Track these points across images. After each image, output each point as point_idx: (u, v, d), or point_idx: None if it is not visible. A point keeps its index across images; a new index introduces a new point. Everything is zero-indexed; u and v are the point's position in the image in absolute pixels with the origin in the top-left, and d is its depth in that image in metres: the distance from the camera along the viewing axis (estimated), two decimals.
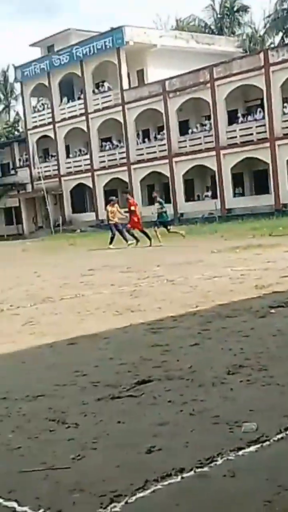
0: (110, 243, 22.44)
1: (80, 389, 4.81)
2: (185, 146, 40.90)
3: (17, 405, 4.52)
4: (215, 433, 3.71)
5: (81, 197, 48.51)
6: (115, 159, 45.25)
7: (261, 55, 36.54)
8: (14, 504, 2.95)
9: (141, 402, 4.37)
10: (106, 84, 46.08)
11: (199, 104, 40.55)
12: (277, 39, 51.59)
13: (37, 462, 3.45)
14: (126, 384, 4.77)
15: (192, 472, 3.16)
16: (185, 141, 41.15)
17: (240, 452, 3.39)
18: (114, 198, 26.02)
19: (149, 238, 21.85)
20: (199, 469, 3.19)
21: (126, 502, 2.90)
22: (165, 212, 23.72)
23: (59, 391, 4.81)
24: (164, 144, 41.80)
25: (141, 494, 2.97)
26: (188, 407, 4.16)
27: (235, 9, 54.63)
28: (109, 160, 45.81)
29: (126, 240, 22.50)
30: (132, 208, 23.46)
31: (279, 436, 3.58)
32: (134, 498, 2.93)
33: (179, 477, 3.12)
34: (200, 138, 40.19)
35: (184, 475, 3.14)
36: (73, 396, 4.64)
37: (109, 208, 24.12)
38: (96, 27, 47.90)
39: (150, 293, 9.74)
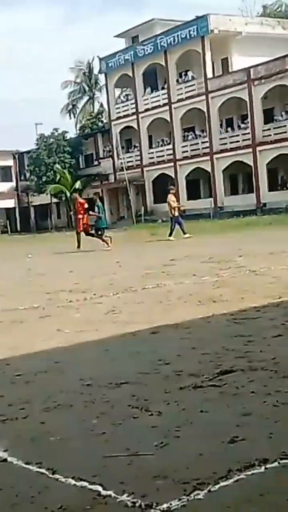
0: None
1: (163, 377, 4.83)
2: (270, 135, 40.33)
3: (101, 392, 4.58)
4: None
5: (163, 188, 48.60)
6: (198, 149, 45.10)
7: None
8: (99, 488, 3.00)
9: (224, 392, 4.36)
10: (190, 74, 45.94)
11: (285, 92, 39.87)
12: None
13: (121, 448, 3.49)
14: (208, 374, 4.77)
15: (276, 463, 3.13)
16: (269, 129, 40.58)
17: None
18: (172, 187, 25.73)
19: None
20: (284, 460, 3.15)
21: (209, 491, 2.90)
22: (101, 218, 23.21)
23: (142, 379, 4.85)
24: (248, 133, 41.35)
25: (224, 483, 2.96)
26: (272, 398, 4.12)
27: None
28: (191, 150, 45.70)
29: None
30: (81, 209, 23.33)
31: None
32: (217, 486, 2.93)
33: (263, 468, 3.09)
34: (285, 126, 39.54)
35: (268, 465, 3.11)
36: (156, 384, 4.67)
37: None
38: (181, 16, 47.56)
39: (233, 283, 9.68)
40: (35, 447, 3.67)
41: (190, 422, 3.86)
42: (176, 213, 22.92)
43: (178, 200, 22.96)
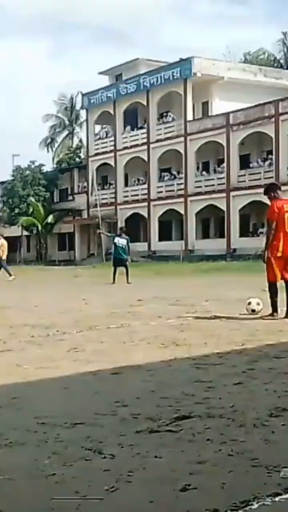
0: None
1: (120, 420, 4.78)
2: (244, 181, 40.88)
3: (56, 431, 4.51)
4: (253, 476, 3.63)
5: (135, 227, 48.87)
6: (173, 190, 45.50)
7: None
8: None
9: (180, 438, 4.32)
10: (170, 115, 46.54)
11: (262, 139, 40.57)
12: None
13: (71, 491, 3.42)
14: (166, 419, 4.72)
15: None
16: (244, 175, 41.13)
17: (277, 498, 3.30)
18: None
19: None
20: None
21: None
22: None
23: (99, 420, 4.78)
24: (223, 178, 41.87)
25: None
26: (227, 447, 4.09)
27: None
28: (166, 191, 46.09)
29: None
30: None
31: None
32: None
33: None
34: (260, 173, 40.10)
35: None
36: (112, 426, 4.61)
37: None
38: (165, 58, 48.47)
39: (198, 327, 9.68)
40: None
41: (143, 467, 3.80)
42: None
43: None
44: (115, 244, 22.93)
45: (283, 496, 3.33)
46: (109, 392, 5.68)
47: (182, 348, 7.83)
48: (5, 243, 26.55)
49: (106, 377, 6.34)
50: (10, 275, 25.46)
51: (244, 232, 41.46)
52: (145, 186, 47.22)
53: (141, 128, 48.76)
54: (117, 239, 22.95)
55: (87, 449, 4.11)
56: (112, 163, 50.05)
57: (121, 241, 22.80)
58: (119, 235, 23.34)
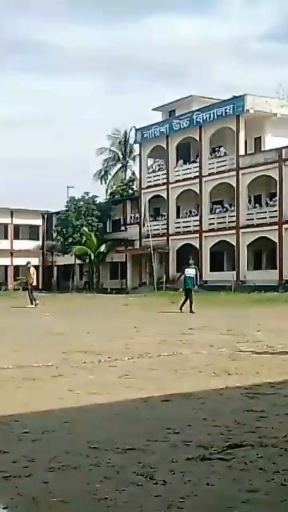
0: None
1: (171, 446, 4.76)
2: None
3: (107, 456, 4.52)
4: None
5: (187, 257, 48.82)
6: (225, 222, 45.42)
7: None
8: None
9: (231, 466, 4.28)
10: (222, 149, 46.69)
11: None
12: None
13: None
14: (217, 447, 4.68)
15: None
16: None
17: None
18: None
19: None
20: None
21: None
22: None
23: (150, 446, 4.78)
24: (276, 211, 41.64)
25: None
26: (279, 476, 4.03)
27: None
28: (218, 223, 46.03)
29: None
30: None
31: None
32: None
33: None
34: None
35: None
36: (163, 453, 4.59)
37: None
38: (217, 95, 48.69)
39: (249, 357, 9.59)
40: (35, 507, 3.60)
41: (194, 494, 3.78)
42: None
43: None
44: (184, 275, 23.77)
45: None
46: (160, 419, 5.67)
47: (233, 377, 7.77)
48: (35, 271, 27.84)
49: (157, 404, 6.33)
50: (32, 303, 26.02)
51: None
52: (197, 217, 47.29)
53: (194, 162, 49.02)
54: (186, 270, 23.95)
55: (138, 474, 4.11)
56: (164, 195, 50.31)
57: (190, 272, 23.66)
58: (188, 266, 24.30)
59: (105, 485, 3.93)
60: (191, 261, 25.01)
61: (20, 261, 62.89)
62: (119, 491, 3.83)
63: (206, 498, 3.72)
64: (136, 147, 58.92)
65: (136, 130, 54.91)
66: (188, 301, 22.27)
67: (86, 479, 4.05)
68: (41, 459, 4.46)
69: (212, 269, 45.30)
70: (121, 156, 68.57)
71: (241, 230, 43.68)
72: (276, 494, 3.75)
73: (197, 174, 47.68)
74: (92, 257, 55.01)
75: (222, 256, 47.24)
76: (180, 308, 22.13)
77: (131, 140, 62.78)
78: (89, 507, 3.60)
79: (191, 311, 21.59)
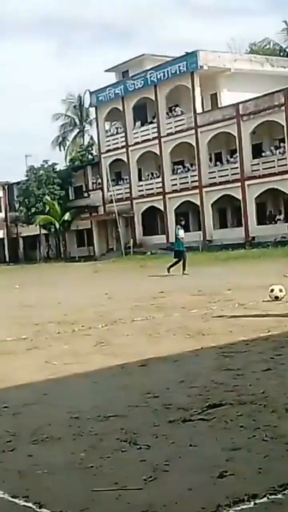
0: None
1: (152, 411, 4.81)
2: (258, 170, 40.66)
3: (89, 425, 4.55)
4: None
5: (152, 220, 48.77)
6: (187, 182, 45.38)
7: None
8: None
9: (213, 426, 4.34)
10: (179, 108, 46.42)
11: (273, 127, 40.36)
12: None
13: (109, 482, 3.46)
14: (197, 408, 4.75)
15: (265, 499, 3.11)
16: (258, 164, 40.93)
17: None
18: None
19: None
20: (273, 496, 3.13)
21: None
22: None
23: (131, 412, 4.82)
24: (237, 168, 41.68)
25: None
26: (261, 432, 4.11)
27: None
28: (181, 184, 45.98)
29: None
30: None
31: None
32: None
33: (252, 503, 3.07)
34: (274, 161, 39.91)
35: (257, 501, 3.09)
36: (144, 418, 4.64)
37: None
38: (170, 52, 48.40)
39: (221, 317, 9.68)
40: (22, 480, 3.62)
41: (179, 456, 3.83)
42: None
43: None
44: (177, 237, 22.42)
45: None
46: (138, 384, 5.72)
47: (207, 337, 7.85)
48: None
49: (134, 370, 6.37)
50: None
51: (262, 220, 41.32)
52: (159, 179, 47.14)
53: (151, 123, 48.68)
54: (179, 232, 22.45)
55: (122, 441, 4.15)
56: (125, 159, 50.02)
57: (181, 234, 22.42)
58: (180, 227, 22.79)
59: (90, 454, 3.97)
60: (182, 223, 23.82)
61: None
62: (103, 458, 3.86)
63: (190, 459, 3.78)
64: (92, 111, 58.28)
65: (91, 93, 54.20)
66: (181, 263, 21.33)
67: (70, 449, 4.08)
68: (24, 433, 4.48)
69: None
70: (77, 121, 67.82)
71: (204, 189, 43.72)
72: (259, 450, 3.82)
73: (156, 135, 47.41)
74: (57, 226, 54.71)
75: (187, 216, 47.35)
76: (168, 270, 21.36)
77: (86, 104, 62.02)
78: (75, 477, 3.63)
79: (184, 273, 20.86)
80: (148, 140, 48.17)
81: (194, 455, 3.85)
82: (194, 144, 44.32)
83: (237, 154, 41.82)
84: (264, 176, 39.90)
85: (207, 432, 4.25)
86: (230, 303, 11.39)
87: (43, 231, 58.57)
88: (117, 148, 51.11)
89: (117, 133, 52.22)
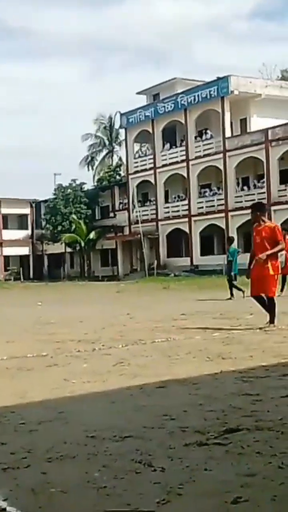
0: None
1: (168, 433, 4.78)
2: (285, 195, 40.61)
3: (105, 445, 4.53)
4: None
5: (177, 242, 48.86)
6: (213, 206, 45.48)
7: None
8: None
9: (229, 451, 4.30)
10: (208, 132, 46.62)
11: None
12: None
13: (122, 503, 3.44)
14: (214, 432, 4.70)
15: None
16: (285, 189, 40.87)
17: None
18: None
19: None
20: None
21: None
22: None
23: (147, 433, 4.79)
24: (264, 192, 41.68)
25: None
26: (277, 459, 4.05)
27: None
28: (207, 207, 46.05)
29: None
30: None
31: None
32: None
33: None
34: None
35: None
36: (160, 440, 4.61)
37: None
38: (201, 76, 48.84)
39: (242, 341, 9.63)
40: (35, 498, 3.61)
41: (193, 480, 3.80)
42: None
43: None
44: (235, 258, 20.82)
45: None
46: (156, 405, 5.68)
47: (227, 361, 7.80)
48: None
49: (153, 391, 6.34)
50: None
51: None
52: (186, 202, 47.32)
53: (180, 145, 48.95)
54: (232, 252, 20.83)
55: (137, 462, 4.12)
56: (152, 180, 50.28)
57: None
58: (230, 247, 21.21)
59: (104, 473, 3.95)
60: (231, 241, 22.15)
61: (9, 251, 62.89)
62: (118, 479, 3.84)
63: (205, 484, 3.74)
64: (122, 132, 58.81)
65: (121, 114, 54.75)
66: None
67: (84, 469, 4.06)
68: (39, 450, 4.47)
69: (202, 253, 45.38)
70: (107, 142, 68.43)
71: (230, 213, 43.77)
72: (274, 477, 3.77)
73: (184, 157, 47.66)
74: (82, 244, 55.01)
75: (212, 239, 47.33)
76: (231, 295, 20.02)
77: (117, 125, 62.63)
78: (89, 496, 3.61)
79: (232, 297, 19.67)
80: (176, 162, 48.43)
81: (209, 479, 3.81)
82: (221, 168, 44.46)
83: (264, 179, 41.81)
84: None
85: (222, 456, 4.20)
86: (251, 327, 11.33)
87: (68, 250, 58.94)
88: (145, 170, 51.43)
89: (145, 154, 52.58)
